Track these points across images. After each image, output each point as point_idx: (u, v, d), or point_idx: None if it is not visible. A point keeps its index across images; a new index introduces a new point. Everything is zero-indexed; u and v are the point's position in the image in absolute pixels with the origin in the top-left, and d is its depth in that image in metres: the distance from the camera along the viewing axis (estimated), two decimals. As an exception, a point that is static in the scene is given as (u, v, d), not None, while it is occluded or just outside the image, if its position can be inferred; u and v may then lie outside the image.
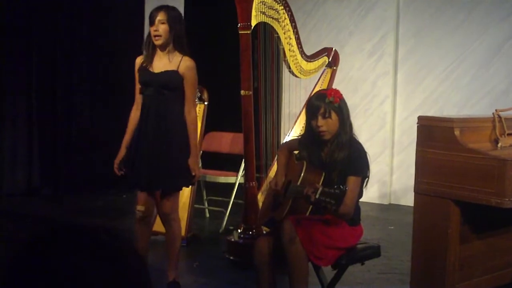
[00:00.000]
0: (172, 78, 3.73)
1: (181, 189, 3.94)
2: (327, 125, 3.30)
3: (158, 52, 3.80)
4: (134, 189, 3.92)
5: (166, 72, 3.74)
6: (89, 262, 0.95)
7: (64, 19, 7.03)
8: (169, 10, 3.77)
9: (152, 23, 3.73)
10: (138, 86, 3.85)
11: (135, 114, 3.85)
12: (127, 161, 3.81)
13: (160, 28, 3.71)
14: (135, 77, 3.86)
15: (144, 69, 3.79)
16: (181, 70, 3.74)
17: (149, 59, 3.79)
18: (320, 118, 3.30)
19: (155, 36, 3.72)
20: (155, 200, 3.92)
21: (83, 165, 7.14)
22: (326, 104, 3.29)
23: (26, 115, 6.93)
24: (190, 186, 5.16)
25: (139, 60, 3.85)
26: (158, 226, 4.95)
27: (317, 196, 2.99)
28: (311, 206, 3.22)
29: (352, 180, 3.24)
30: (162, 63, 3.77)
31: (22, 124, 6.93)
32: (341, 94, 3.38)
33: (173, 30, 3.73)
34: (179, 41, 3.77)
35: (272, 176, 3.95)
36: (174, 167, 3.75)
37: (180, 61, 3.75)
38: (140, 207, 3.87)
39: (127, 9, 7.28)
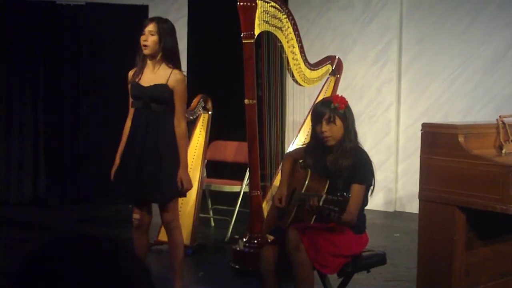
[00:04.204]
0: (161, 92, 3.73)
1: (175, 199, 3.93)
2: (331, 130, 3.31)
3: (148, 64, 3.80)
4: (123, 198, 3.96)
5: (155, 86, 3.74)
6: (93, 271, 0.96)
7: (71, 30, 7.07)
8: (161, 22, 3.79)
9: (142, 32, 3.76)
10: (130, 99, 3.88)
11: (128, 126, 3.88)
12: (117, 171, 3.84)
13: (149, 39, 3.73)
14: (128, 89, 3.88)
15: (134, 82, 3.81)
16: (171, 83, 3.73)
17: (139, 71, 3.81)
18: (324, 123, 3.31)
19: (143, 45, 3.75)
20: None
21: (89, 175, 7.15)
22: (331, 110, 3.31)
23: (32, 125, 6.97)
24: (196, 195, 5.22)
25: (131, 73, 3.87)
26: (163, 235, 4.96)
27: (320, 204, 3.00)
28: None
29: (356, 188, 3.24)
30: (151, 76, 3.78)
31: (29, 134, 6.98)
32: (347, 101, 3.40)
33: (162, 42, 3.74)
34: (169, 54, 3.77)
35: (277, 185, 3.95)
36: (165, 178, 3.76)
37: (170, 75, 3.74)
38: (136, 216, 3.92)
39: (131, 21, 7.30)
